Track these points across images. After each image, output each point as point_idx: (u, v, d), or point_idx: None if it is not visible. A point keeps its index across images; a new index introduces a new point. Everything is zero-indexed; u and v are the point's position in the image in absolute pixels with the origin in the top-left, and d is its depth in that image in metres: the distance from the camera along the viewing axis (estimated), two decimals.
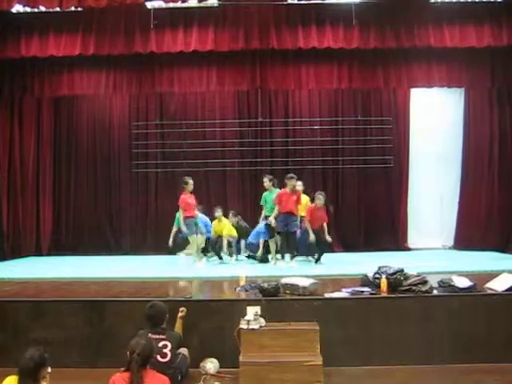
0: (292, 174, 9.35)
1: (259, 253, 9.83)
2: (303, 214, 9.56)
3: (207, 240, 10.14)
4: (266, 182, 9.73)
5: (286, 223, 9.07)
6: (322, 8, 10.26)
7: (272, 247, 9.55)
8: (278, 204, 9.17)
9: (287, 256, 9.28)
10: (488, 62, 11.24)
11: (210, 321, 5.91)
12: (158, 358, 4.64)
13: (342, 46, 10.41)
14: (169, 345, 4.82)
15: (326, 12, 10.29)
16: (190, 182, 9.55)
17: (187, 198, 9.41)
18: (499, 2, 9.82)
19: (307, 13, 10.31)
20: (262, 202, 9.90)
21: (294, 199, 9.16)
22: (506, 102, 11.69)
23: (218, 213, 10.29)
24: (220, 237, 10.26)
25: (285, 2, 9.98)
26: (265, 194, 9.82)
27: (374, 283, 6.29)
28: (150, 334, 4.79)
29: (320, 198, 9.52)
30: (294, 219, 9.17)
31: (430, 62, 11.22)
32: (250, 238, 10.16)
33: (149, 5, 9.82)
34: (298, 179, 9.77)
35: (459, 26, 10.23)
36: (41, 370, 3.70)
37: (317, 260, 9.54)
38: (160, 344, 4.76)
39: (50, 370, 3.78)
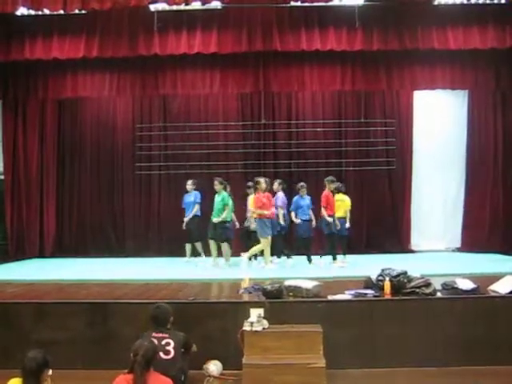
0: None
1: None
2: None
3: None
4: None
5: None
6: (324, 10, 10.22)
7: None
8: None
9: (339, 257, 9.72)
10: (492, 64, 11.20)
11: (213, 323, 5.92)
12: (161, 355, 4.66)
13: (345, 49, 10.40)
14: (171, 342, 4.84)
15: (329, 14, 10.25)
16: (262, 180, 9.40)
17: (261, 197, 9.29)
18: (503, 4, 9.80)
19: (310, 15, 10.29)
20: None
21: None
22: (510, 103, 11.68)
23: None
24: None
25: (288, 5, 9.98)
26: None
27: (377, 285, 6.29)
28: (153, 333, 4.83)
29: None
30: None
31: (434, 64, 11.18)
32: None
33: (152, 7, 9.82)
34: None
35: (463, 28, 10.20)
36: (43, 371, 3.72)
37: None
38: (163, 342, 4.80)
39: (50, 372, 3.79)
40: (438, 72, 11.25)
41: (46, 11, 9.33)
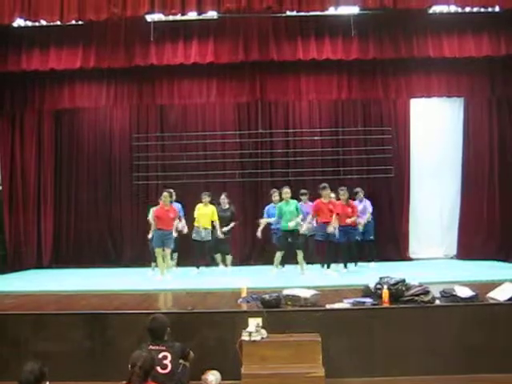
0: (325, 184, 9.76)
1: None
2: None
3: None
4: (288, 192, 9.59)
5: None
6: (320, 20, 10.27)
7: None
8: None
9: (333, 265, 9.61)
10: (487, 71, 11.26)
11: (211, 333, 5.90)
12: (158, 369, 4.61)
13: (342, 57, 10.45)
14: (169, 356, 4.78)
15: (325, 23, 10.31)
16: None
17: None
18: (497, 13, 9.87)
19: (306, 24, 10.34)
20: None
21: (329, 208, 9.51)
22: (505, 110, 11.73)
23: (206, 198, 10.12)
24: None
25: (284, 14, 10.03)
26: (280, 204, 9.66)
27: (375, 294, 6.28)
28: (150, 346, 4.78)
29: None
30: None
31: (429, 72, 11.24)
32: None
33: (149, 18, 9.87)
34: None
35: (458, 37, 10.28)
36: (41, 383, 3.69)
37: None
38: (160, 355, 4.73)
39: None
40: (434, 80, 11.31)
41: (43, 22, 9.34)
